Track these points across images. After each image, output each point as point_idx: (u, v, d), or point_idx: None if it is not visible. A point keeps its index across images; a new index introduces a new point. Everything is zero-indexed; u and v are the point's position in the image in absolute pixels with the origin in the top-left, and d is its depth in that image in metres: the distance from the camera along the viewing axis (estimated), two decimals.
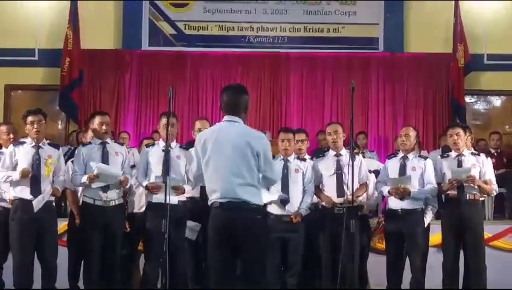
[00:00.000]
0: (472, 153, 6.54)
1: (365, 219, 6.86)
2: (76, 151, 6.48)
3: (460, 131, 6.50)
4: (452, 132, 6.54)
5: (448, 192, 6.38)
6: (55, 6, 10.85)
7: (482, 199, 6.50)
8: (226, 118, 4.66)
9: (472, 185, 6.27)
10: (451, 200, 6.39)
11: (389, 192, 6.39)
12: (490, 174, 6.48)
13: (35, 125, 6.14)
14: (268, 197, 6.05)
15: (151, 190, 6.21)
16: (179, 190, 6.21)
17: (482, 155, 6.57)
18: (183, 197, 6.35)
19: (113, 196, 6.23)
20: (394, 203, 6.41)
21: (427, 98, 10.89)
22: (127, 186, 6.44)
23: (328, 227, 6.27)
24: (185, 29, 11.06)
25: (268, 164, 4.61)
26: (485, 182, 6.38)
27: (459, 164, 6.40)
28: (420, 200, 6.43)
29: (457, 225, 6.32)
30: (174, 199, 6.06)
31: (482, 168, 6.42)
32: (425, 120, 10.81)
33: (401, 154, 6.58)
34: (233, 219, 4.44)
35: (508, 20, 10.88)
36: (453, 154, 6.52)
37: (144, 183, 6.30)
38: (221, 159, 4.48)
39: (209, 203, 4.60)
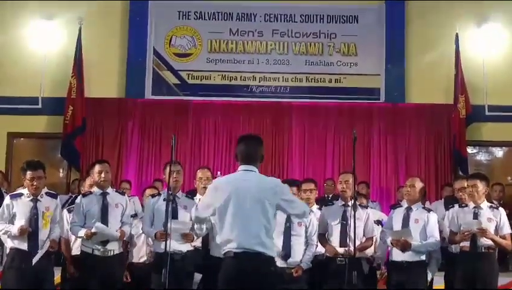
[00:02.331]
0: (490, 207, 6.43)
1: (373, 272, 6.79)
2: (77, 201, 6.43)
3: (478, 183, 6.39)
4: (470, 183, 6.45)
5: (462, 244, 6.31)
6: (60, 55, 10.97)
7: (492, 251, 6.36)
8: (242, 167, 4.69)
9: (484, 237, 6.17)
10: (464, 253, 6.32)
11: (391, 243, 6.35)
12: (507, 229, 6.35)
13: (35, 183, 6.07)
14: None
15: (160, 238, 6.11)
16: (188, 237, 6.16)
17: (500, 209, 6.44)
18: (190, 247, 6.31)
19: (112, 247, 6.17)
20: (397, 255, 6.35)
21: (429, 149, 10.89)
22: (124, 238, 6.36)
23: (329, 278, 6.21)
24: (188, 78, 11.15)
25: (291, 203, 4.68)
26: (504, 237, 6.29)
27: (475, 217, 6.30)
28: (423, 253, 6.36)
29: (469, 278, 6.22)
30: (183, 248, 6.03)
31: (498, 223, 6.30)
32: (427, 171, 10.76)
33: (405, 205, 6.54)
34: (247, 270, 4.41)
35: (508, 71, 10.95)
36: (470, 205, 6.43)
37: (152, 233, 6.23)
38: (239, 210, 4.48)
39: (222, 252, 4.57)
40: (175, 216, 6.13)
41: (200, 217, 4.76)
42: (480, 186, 6.39)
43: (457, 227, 6.40)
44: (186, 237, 6.15)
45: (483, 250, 6.25)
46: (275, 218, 4.64)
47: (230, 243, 4.48)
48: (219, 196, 4.57)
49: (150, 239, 6.50)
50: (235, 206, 4.49)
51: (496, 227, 6.29)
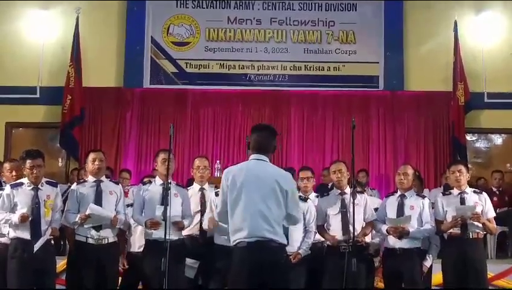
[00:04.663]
0: (474, 191, 6.49)
1: (371, 260, 6.80)
2: (71, 188, 6.45)
3: (463, 168, 6.48)
4: (455, 169, 6.49)
5: (451, 230, 6.32)
6: (58, 45, 10.96)
7: (481, 236, 6.39)
8: (254, 156, 4.69)
9: (477, 222, 6.20)
10: (454, 238, 6.32)
11: (387, 231, 6.35)
12: (492, 213, 6.43)
13: (34, 171, 6.06)
14: None
15: (150, 226, 6.14)
16: (179, 225, 6.17)
17: (484, 193, 6.52)
18: (181, 234, 6.31)
19: (106, 235, 6.17)
20: (392, 242, 6.35)
21: (428, 136, 10.89)
22: (118, 226, 6.35)
23: (333, 265, 6.20)
24: (186, 67, 11.12)
25: (295, 203, 4.68)
26: (489, 221, 6.33)
27: (462, 202, 6.34)
28: (418, 239, 6.37)
29: (460, 264, 6.21)
30: (172, 236, 6.03)
31: (484, 207, 6.35)
32: (426, 158, 10.79)
33: (399, 193, 6.55)
34: (261, 259, 4.42)
35: (507, 59, 10.94)
36: (455, 191, 6.47)
37: (143, 221, 6.24)
38: (251, 198, 4.48)
39: (232, 242, 4.55)
40: (166, 204, 6.11)
41: (224, 211, 4.68)
42: (465, 171, 6.46)
43: (443, 215, 6.42)
44: (176, 225, 6.14)
45: (472, 236, 6.26)
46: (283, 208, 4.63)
47: (242, 231, 4.47)
48: (232, 185, 4.56)
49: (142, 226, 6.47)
50: (247, 195, 4.50)
51: (481, 211, 6.32)
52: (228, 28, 11.17)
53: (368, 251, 6.54)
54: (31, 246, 5.93)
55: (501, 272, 7.78)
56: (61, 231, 6.63)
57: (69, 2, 10.87)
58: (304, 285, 6.25)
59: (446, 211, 6.40)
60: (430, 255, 6.62)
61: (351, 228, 6.08)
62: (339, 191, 6.44)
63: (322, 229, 6.43)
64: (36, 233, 5.99)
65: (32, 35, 10.97)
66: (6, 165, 6.72)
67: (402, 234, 6.23)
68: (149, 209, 6.24)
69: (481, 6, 11.00)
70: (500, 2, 11.04)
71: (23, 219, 5.90)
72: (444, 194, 6.66)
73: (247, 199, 4.49)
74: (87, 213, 6.03)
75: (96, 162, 6.31)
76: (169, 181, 6.05)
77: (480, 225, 6.23)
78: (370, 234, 6.63)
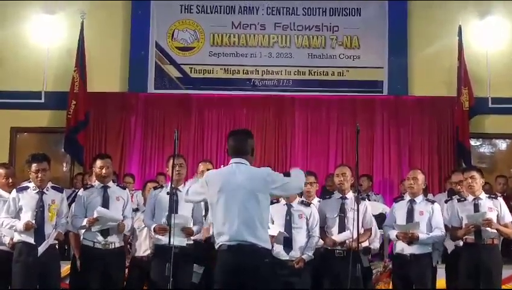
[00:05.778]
0: (489, 197, 6.46)
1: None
2: (78, 194, 6.47)
3: (476, 174, 6.45)
4: (467, 175, 6.47)
5: (466, 237, 6.31)
6: (62, 49, 10.97)
7: (496, 242, 6.37)
8: (233, 160, 4.73)
9: (489, 228, 6.18)
10: (469, 245, 6.31)
11: (396, 236, 6.35)
12: (509, 217, 6.40)
13: (40, 175, 6.10)
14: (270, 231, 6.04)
15: (158, 232, 6.15)
16: (188, 231, 6.18)
17: (499, 198, 6.50)
18: (190, 240, 6.31)
19: (113, 239, 6.20)
20: (402, 248, 6.35)
21: (432, 141, 10.87)
22: (124, 232, 6.37)
23: (329, 270, 6.22)
24: (191, 72, 11.14)
25: (284, 186, 4.67)
26: (506, 225, 6.32)
27: (476, 208, 6.32)
28: (429, 245, 6.36)
29: (474, 270, 6.23)
30: (182, 242, 6.04)
31: (499, 212, 6.34)
32: (430, 163, 10.75)
33: (408, 198, 6.54)
34: (242, 262, 4.44)
35: (511, 64, 10.92)
36: (469, 198, 6.44)
37: (152, 226, 6.25)
38: (230, 202, 4.51)
39: (216, 246, 4.60)
40: (176, 210, 6.13)
41: (192, 201, 4.79)
42: (478, 177, 6.42)
43: (459, 222, 6.41)
44: (186, 231, 6.15)
45: (487, 242, 6.25)
46: (269, 209, 4.70)
47: (224, 235, 4.51)
48: (210, 189, 4.62)
49: (152, 232, 6.50)
50: (226, 199, 4.53)
51: (497, 216, 6.32)
52: (232, 33, 11.18)
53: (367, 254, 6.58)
54: (36, 250, 5.96)
55: (505, 278, 7.74)
56: (65, 236, 6.65)
57: (74, 4, 10.89)
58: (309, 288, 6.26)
59: (462, 217, 6.39)
60: (432, 260, 6.59)
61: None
62: (340, 195, 6.46)
63: (322, 231, 6.44)
64: (40, 237, 6.02)
65: (37, 40, 10.98)
66: (1, 171, 6.63)
67: (411, 239, 6.24)
68: (159, 214, 6.28)
69: (485, 11, 10.98)
70: (504, 7, 11.02)
71: (27, 227, 5.95)
72: (458, 200, 6.59)
73: (226, 204, 4.52)
74: (94, 216, 6.05)
75: (104, 170, 6.34)
76: (175, 187, 6.07)
77: (494, 231, 6.22)
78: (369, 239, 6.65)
